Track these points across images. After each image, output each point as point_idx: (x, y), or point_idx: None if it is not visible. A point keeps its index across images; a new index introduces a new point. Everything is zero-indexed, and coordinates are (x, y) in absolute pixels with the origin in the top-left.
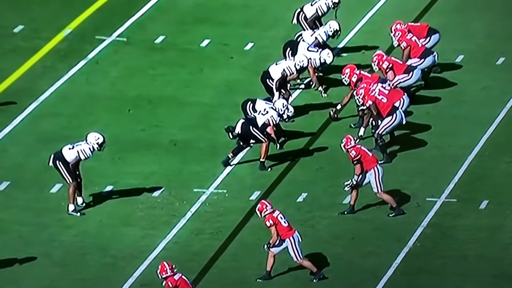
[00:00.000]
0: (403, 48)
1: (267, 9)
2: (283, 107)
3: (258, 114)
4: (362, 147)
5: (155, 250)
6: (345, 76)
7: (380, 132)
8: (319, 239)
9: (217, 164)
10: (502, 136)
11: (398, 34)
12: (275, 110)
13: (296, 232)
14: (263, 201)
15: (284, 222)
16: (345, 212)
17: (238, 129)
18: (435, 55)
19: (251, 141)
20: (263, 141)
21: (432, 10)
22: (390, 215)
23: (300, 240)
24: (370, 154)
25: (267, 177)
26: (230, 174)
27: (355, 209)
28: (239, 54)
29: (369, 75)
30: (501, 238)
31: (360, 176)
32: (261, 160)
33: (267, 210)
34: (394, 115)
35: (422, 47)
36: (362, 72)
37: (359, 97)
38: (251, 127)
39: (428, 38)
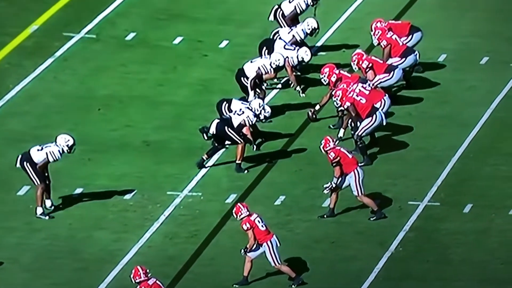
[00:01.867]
0: (383, 46)
1: (243, 5)
2: (260, 107)
3: (234, 114)
4: (342, 149)
5: (128, 254)
6: (324, 76)
7: (359, 134)
8: (298, 243)
9: (192, 166)
10: (486, 138)
11: (378, 32)
12: (251, 110)
13: (274, 236)
14: (239, 204)
15: (262, 225)
16: (325, 216)
17: (212, 130)
18: (416, 54)
19: (227, 142)
20: (239, 142)
21: (414, 8)
22: (371, 218)
23: (278, 244)
24: (350, 156)
25: (244, 179)
26: (206, 176)
27: (335, 213)
28: (213, 51)
29: (349, 75)
30: (486, 242)
31: (340, 178)
32: (237, 162)
33: (242, 213)
34: (374, 116)
35: (403, 45)
36: (341, 71)
37: (337, 99)
38: (226, 127)
39: (410, 36)
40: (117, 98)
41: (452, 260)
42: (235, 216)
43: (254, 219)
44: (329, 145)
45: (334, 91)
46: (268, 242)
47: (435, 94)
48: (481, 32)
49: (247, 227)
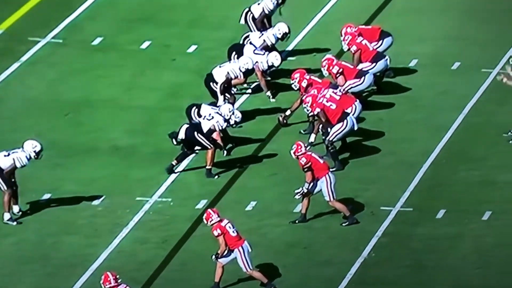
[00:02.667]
0: (353, 52)
1: (212, 9)
2: (229, 112)
3: (203, 119)
4: (313, 154)
5: (98, 259)
6: (295, 81)
7: (330, 139)
8: (271, 248)
9: (162, 171)
10: (459, 143)
11: (348, 37)
12: (221, 115)
13: (245, 242)
14: (209, 210)
15: (233, 231)
16: (297, 221)
17: (182, 135)
18: (387, 59)
19: (196, 147)
20: (209, 147)
21: (385, 12)
22: (344, 224)
23: (250, 250)
24: (321, 161)
25: (214, 184)
26: (175, 182)
27: (306, 218)
28: (182, 55)
29: (320, 80)
30: (460, 248)
31: (311, 183)
32: (207, 167)
33: (213, 219)
34: (345, 121)
35: (373, 50)
36: (312, 77)
37: (307, 105)
38: (195, 133)
39: (381, 41)
40: (85, 103)
41: (425, 265)
42: (205, 222)
43: (225, 225)
44: (301, 150)
45: (304, 97)
46: (240, 248)
47: (406, 99)
48: (453, 37)
49: (218, 233)
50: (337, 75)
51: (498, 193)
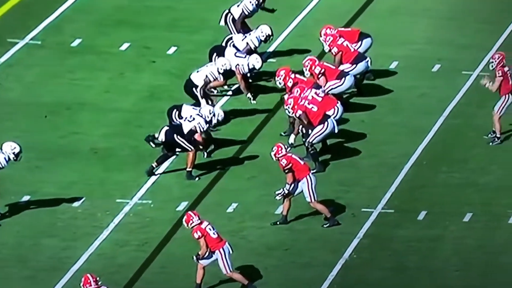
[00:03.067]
0: (334, 53)
1: (191, 11)
2: (210, 113)
3: (184, 120)
4: (293, 156)
5: (78, 261)
6: (280, 78)
7: (311, 141)
8: (252, 250)
9: (141, 173)
10: (439, 145)
11: (329, 39)
12: (201, 116)
13: (226, 243)
14: (189, 212)
15: (214, 233)
16: (278, 223)
17: (162, 137)
18: (368, 61)
19: (177, 149)
20: (189, 149)
21: (365, 15)
22: (325, 225)
23: (231, 252)
24: (302, 163)
25: (195, 186)
26: (156, 184)
27: (288, 219)
28: (161, 58)
29: (305, 79)
30: (441, 249)
31: (292, 185)
32: (187, 169)
33: (193, 221)
34: (326, 123)
35: (354, 52)
36: (297, 76)
37: (289, 107)
38: (175, 135)
39: (360, 42)
40: (64, 105)
41: (406, 267)
42: (185, 224)
43: (205, 227)
44: (281, 152)
45: (286, 99)
46: (221, 250)
47: (387, 102)
48: (433, 40)
49: (198, 236)
50: (319, 76)
51: (479, 195)
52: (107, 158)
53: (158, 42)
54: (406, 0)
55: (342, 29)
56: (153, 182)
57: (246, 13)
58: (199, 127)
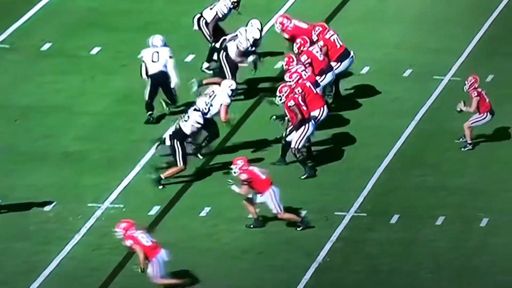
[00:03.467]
0: (320, 46)
1: (162, 15)
2: (206, 105)
3: (182, 122)
4: (255, 170)
5: (50, 265)
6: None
7: (296, 147)
8: (225, 254)
9: (113, 177)
10: (412, 149)
11: (318, 29)
12: (198, 110)
13: (162, 251)
14: (122, 220)
15: (147, 241)
16: (251, 226)
17: (167, 141)
18: (352, 56)
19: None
20: (177, 164)
21: (337, 19)
22: (298, 228)
23: (166, 259)
24: (263, 177)
25: (167, 190)
26: (128, 188)
27: (259, 221)
28: (133, 61)
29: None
30: (414, 253)
31: (250, 195)
32: (162, 175)
33: (123, 230)
34: (306, 125)
35: (341, 47)
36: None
37: (282, 95)
38: (176, 141)
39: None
40: (35, 109)
41: (380, 270)
42: (117, 233)
43: (137, 235)
44: (241, 166)
45: (280, 87)
46: (154, 259)
47: (360, 106)
48: (405, 44)
49: (131, 244)
50: (306, 64)
51: (451, 198)
52: (78, 162)
53: (130, 45)
54: (378, 4)
55: (297, 22)
56: (125, 186)
57: (220, 16)
58: (196, 125)
